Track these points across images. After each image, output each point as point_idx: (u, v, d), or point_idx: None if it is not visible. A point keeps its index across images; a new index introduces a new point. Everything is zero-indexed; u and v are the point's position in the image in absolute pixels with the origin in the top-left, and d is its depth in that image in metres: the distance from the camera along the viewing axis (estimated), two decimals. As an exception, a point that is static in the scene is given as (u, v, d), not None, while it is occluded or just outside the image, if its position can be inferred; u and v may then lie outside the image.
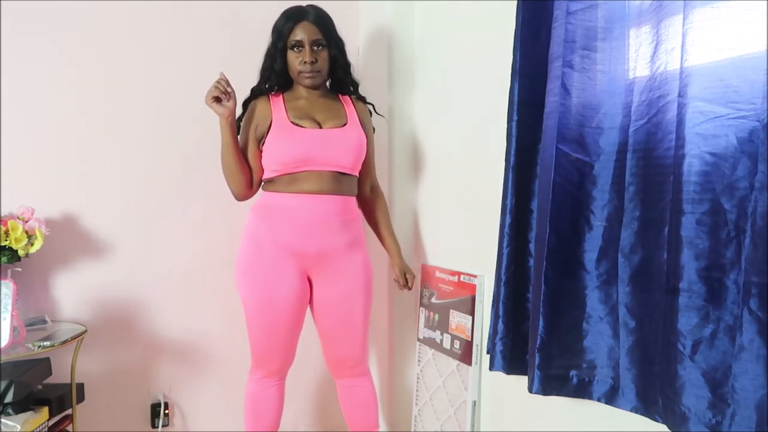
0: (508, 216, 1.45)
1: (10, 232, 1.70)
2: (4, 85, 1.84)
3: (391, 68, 2.14)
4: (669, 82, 1.09)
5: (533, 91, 1.40)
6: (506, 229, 1.45)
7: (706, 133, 1.01)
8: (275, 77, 1.74)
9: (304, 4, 1.74)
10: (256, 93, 1.77)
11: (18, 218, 1.74)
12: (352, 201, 1.78)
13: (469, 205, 1.86)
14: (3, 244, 1.69)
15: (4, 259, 1.70)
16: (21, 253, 1.72)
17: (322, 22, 1.71)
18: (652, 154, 1.14)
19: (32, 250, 1.74)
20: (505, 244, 1.46)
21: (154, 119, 2.04)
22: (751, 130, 0.97)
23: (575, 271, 1.30)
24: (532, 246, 1.44)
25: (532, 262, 1.42)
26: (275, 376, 1.81)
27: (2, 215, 1.79)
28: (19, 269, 1.78)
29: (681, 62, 1.04)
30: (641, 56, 1.18)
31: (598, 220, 1.28)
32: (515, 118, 1.44)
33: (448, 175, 1.98)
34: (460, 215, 1.91)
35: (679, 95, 1.04)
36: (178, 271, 2.06)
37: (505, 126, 1.47)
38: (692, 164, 1.02)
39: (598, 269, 1.28)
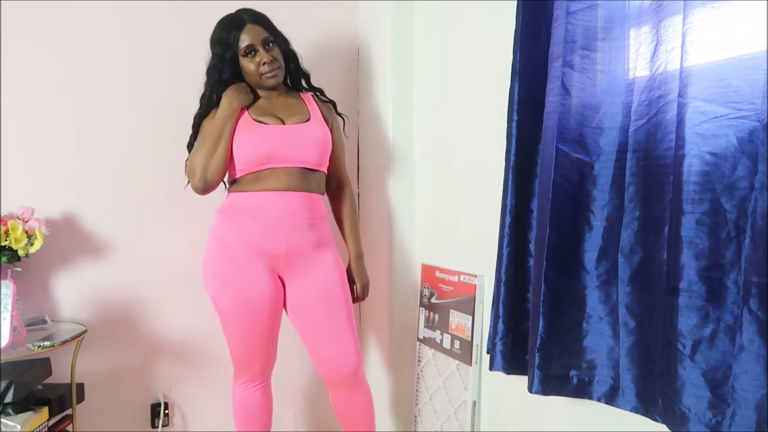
0: (508, 216, 1.45)
1: (10, 232, 1.70)
2: (3, 85, 1.84)
3: (391, 68, 2.14)
4: (669, 82, 1.09)
5: (533, 91, 1.40)
6: (506, 229, 1.45)
7: (706, 133, 1.01)
8: (224, 88, 1.69)
9: (233, 10, 1.70)
10: (206, 111, 1.71)
11: (18, 218, 1.74)
12: (320, 199, 1.75)
13: (469, 205, 1.86)
14: (3, 244, 1.69)
15: (4, 259, 1.70)
16: (21, 253, 1.72)
17: (262, 20, 1.69)
18: (652, 154, 1.14)
19: (32, 250, 1.74)
20: (505, 244, 1.46)
21: (154, 119, 2.04)
22: (751, 130, 0.97)
23: (575, 271, 1.30)
24: (532, 246, 1.44)
25: (532, 262, 1.42)
26: (258, 378, 1.78)
27: (2, 215, 1.79)
28: (19, 269, 1.78)
29: (681, 62, 1.04)
30: (641, 56, 1.18)
31: (598, 220, 1.28)
32: (515, 118, 1.44)
33: (449, 174, 1.98)
34: (460, 215, 1.91)
35: (679, 95, 1.04)
36: (178, 271, 2.06)
37: (505, 126, 1.47)
38: (692, 164, 1.02)
39: (598, 269, 1.28)
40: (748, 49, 0.97)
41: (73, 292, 1.95)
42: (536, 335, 1.30)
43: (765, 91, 0.94)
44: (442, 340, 1.94)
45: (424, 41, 2.11)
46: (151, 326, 2.07)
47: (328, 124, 1.78)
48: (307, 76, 1.83)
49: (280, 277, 1.71)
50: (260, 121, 1.68)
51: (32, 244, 1.74)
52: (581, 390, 1.31)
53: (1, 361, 1.57)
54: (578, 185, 1.29)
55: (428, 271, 2.06)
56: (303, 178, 1.68)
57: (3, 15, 1.83)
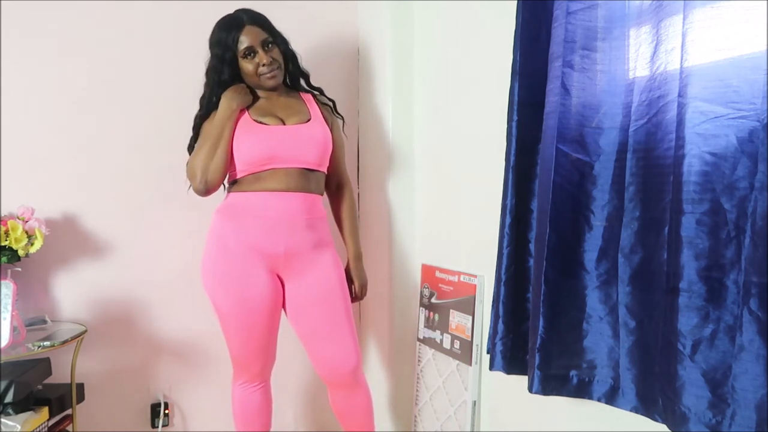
0: (508, 216, 1.45)
1: (10, 232, 1.70)
2: (3, 85, 1.84)
3: (391, 68, 2.14)
4: (669, 82, 1.09)
5: (533, 91, 1.40)
6: (506, 229, 1.45)
7: (706, 133, 1.01)
8: (223, 89, 1.68)
9: (232, 11, 1.70)
10: (207, 113, 1.70)
11: (18, 218, 1.74)
12: (319, 200, 1.74)
13: (469, 205, 1.86)
14: (3, 244, 1.69)
15: (4, 259, 1.70)
16: (21, 253, 1.72)
17: (261, 21, 1.68)
18: (652, 154, 1.14)
19: (32, 250, 1.74)
20: (505, 244, 1.45)
21: (154, 120, 2.04)
22: (751, 130, 0.97)
23: (575, 271, 1.30)
24: (532, 246, 1.44)
25: (532, 262, 1.42)
26: (257, 379, 1.78)
27: (2, 215, 1.79)
28: (19, 269, 1.78)
29: (681, 62, 1.04)
30: (641, 56, 1.18)
31: (598, 220, 1.28)
32: (515, 118, 1.44)
33: (449, 174, 1.98)
34: (460, 215, 1.91)
35: (679, 95, 1.04)
36: (178, 271, 2.06)
37: (505, 126, 1.47)
38: (692, 164, 1.02)
39: (598, 269, 1.28)
40: (748, 49, 0.96)
41: (73, 292, 1.95)
42: (536, 335, 1.30)
43: (765, 91, 0.94)
44: (442, 340, 1.94)
45: (423, 41, 2.11)
46: (151, 326, 2.07)
47: (328, 124, 1.77)
48: (306, 77, 1.83)
49: (279, 278, 1.71)
50: (260, 122, 1.67)
51: (32, 244, 1.74)
52: (581, 390, 1.31)
53: (1, 361, 1.57)
54: (578, 185, 1.29)
55: (428, 271, 2.06)
56: (302, 179, 1.68)
57: (3, 15, 1.83)
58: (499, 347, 1.46)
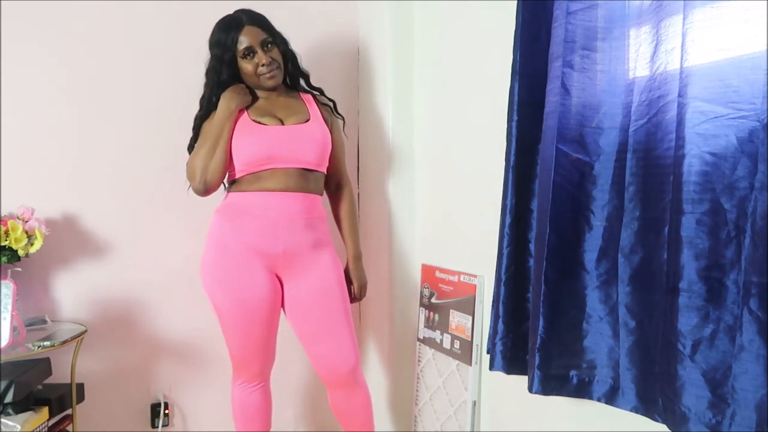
0: (508, 216, 1.45)
1: (10, 232, 1.70)
2: (3, 86, 1.84)
3: (391, 68, 2.14)
4: (669, 82, 1.09)
5: (533, 91, 1.40)
6: (506, 229, 1.45)
7: (706, 133, 1.01)
8: (223, 89, 1.68)
9: (232, 11, 1.70)
10: (206, 113, 1.70)
11: (18, 218, 1.74)
12: (318, 200, 1.74)
13: (469, 205, 1.86)
14: (3, 244, 1.69)
15: (4, 259, 1.70)
16: (21, 253, 1.72)
17: (261, 21, 1.69)
18: (652, 154, 1.14)
19: (32, 250, 1.75)
20: (505, 244, 1.46)
21: (154, 120, 2.04)
22: (751, 130, 0.97)
23: (575, 271, 1.30)
24: (532, 246, 1.44)
25: (532, 262, 1.42)
26: (257, 379, 1.78)
27: (2, 215, 1.79)
28: (19, 269, 1.78)
29: (681, 62, 1.04)
30: (641, 56, 1.18)
31: (598, 220, 1.28)
32: (515, 118, 1.44)
33: (449, 174, 1.98)
34: (460, 215, 1.92)
35: (679, 95, 1.04)
36: (178, 271, 2.06)
37: (505, 126, 1.47)
38: (692, 164, 1.02)
39: (598, 269, 1.28)
40: (748, 49, 0.97)
41: (73, 292, 1.95)
42: (536, 335, 1.30)
43: (765, 91, 0.94)
44: (442, 340, 1.94)
45: (424, 41, 2.11)
46: (151, 326, 2.07)
47: (327, 125, 1.78)
48: (306, 77, 1.83)
49: (278, 277, 1.71)
50: (259, 122, 1.68)
51: (32, 244, 1.74)
52: (581, 390, 1.31)
53: (1, 361, 1.57)
54: (578, 185, 1.29)
55: (428, 271, 2.06)
56: (301, 179, 1.68)
57: (3, 16, 1.83)
58: (499, 347, 1.46)
